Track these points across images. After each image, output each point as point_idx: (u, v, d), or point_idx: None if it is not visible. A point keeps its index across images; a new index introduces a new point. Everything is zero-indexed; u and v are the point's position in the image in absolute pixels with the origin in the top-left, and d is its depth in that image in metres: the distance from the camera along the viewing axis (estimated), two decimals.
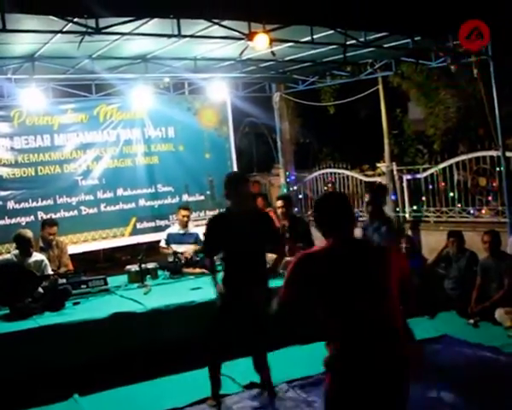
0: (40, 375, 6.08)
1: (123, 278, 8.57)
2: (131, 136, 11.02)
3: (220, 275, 5.67)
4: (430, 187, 10.78)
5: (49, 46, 7.32)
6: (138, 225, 10.96)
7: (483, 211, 10.05)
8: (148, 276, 8.47)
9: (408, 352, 3.25)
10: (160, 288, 8.08)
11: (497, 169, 9.58)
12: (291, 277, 3.33)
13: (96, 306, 7.27)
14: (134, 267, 8.49)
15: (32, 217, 9.97)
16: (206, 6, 5.82)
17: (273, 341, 6.90)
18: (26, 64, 8.15)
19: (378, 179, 11.73)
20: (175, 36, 6.22)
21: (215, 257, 5.83)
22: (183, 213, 9.39)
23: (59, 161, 10.33)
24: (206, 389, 5.71)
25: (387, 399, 3.21)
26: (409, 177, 11.16)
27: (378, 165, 11.76)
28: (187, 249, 8.98)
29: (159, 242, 9.66)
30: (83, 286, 7.87)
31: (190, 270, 8.70)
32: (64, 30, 6.10)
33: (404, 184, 11.17)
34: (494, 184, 9.97)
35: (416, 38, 8.04)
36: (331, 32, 7.18)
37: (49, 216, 9.65)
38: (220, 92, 10.95)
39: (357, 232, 6.84)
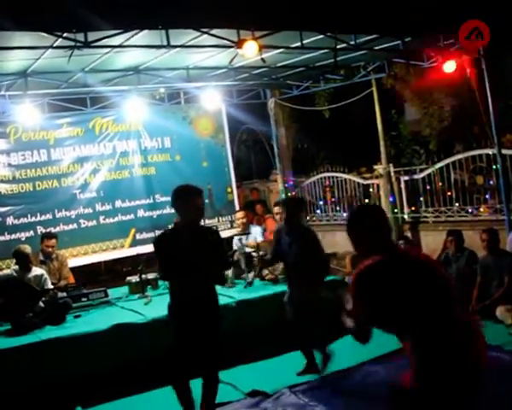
0: (42, 388, 6.09)
1: (124, 290, 8.58)
2: (128, 147, 11.04)
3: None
4: (428, 187, 10.80)
5: (41, 62, 7.37)
6: (138, 236, 10.98)
7: (481, 209, 10.06)
8: (149, 286, 8.47)
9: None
10: (160, 298, 8.03)
11: (494, 167, 9.60)
12: (360, 294, 3.24)
13: (97, 318, 7.28)
14: (134, 278, 8.51)
15: (32, 232, 9.99)
16: (195, 16, 5.84)
17: (274, 347, 7.00)
18: (20, 80, 8.19)
19: (376, 181, 11.77)
20: (164, 47, 6.25)
21: None
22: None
23: (56, 175, 10.35)
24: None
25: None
26: (406, 178, 11.19)
27: (375, 167, 11.78)
28: None
29: None
30: (83, 299, 7.88)
31: None
32: (54, 45, 6.14)
33: (402, 186, 11.20)
34: (491, 182, 9.99)
35: (406, 40, 8.08)
36: (321, 36, 7.21)
37: (48, 230, 9.64)
38: (214, 100, 10.97)
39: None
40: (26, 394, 6.00)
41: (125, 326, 6.77)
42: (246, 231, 9.38)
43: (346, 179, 12.63)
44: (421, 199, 10.93)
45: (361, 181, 12.25)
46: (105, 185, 10.78)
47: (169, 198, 10.90)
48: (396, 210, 11.19)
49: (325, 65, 9.53)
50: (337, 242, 12.67)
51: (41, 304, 7.28)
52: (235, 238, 9.39)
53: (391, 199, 11.17)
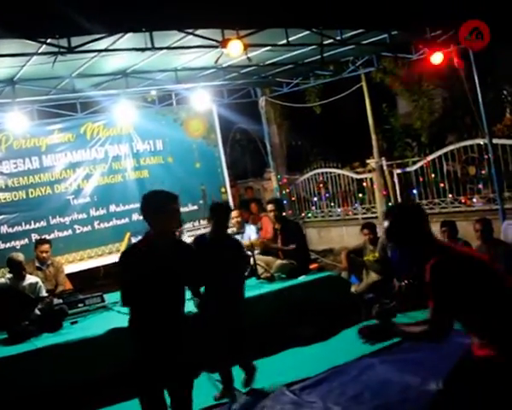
0: (40, 396, 6.06)
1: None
2: (120, 151, 11.05)
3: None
4: (421, 179, 10.81)
5: (28, 68, 7.37)
6: (133, 240, 10.89)
7: (474, 200, 10.06)
8: None
9: None
10: None
11: (486, 157, 9.61)
12: (443, 287, 3.27)
13: (94, 323, 7.25)
14: None
15: (27, 240, 9.98)
16: (179, 17, 5.83)
17: (271, 345, 7.01)
18: (7, 88, 8.18)
19: (369, 176, 11.77)
20: (149, 49, 6.24)
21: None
22: None
23: (49, 182, 10.35)
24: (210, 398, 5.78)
25: None
26: (399, 171, 11.19)
27: (368, 161, 11.78)
28: None
29: None
30: (80, 305, 7.84)
31: None
32: (39, 51, 6.13)
33: (395, 179, 11.19)
34: (483, 172, 9.99)
35: (392, 33, 8.07)
36: (307, 32, 7.20)
37: (43, 237, 9.64)
38: (205, 101, 10.97)
39: None
40: (24, 402, 5.97)
41: (121, 331, 6.73)
42: (240, 231, 9.39)
43: (339, 175, 12.63)
44: (415, 191, 10.93)
45: (354, 176, 12.25)
46: (98, 190, 10.78)
47: None
48: (390, 203, 11.18)
49: (314, 61, 9.53)
50: (332, 237, 12.70)
51: (37, 312, 7.24)
52: None
53: (384, 193, 11.16)
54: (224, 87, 11.47)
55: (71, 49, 5.64)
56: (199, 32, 6.35)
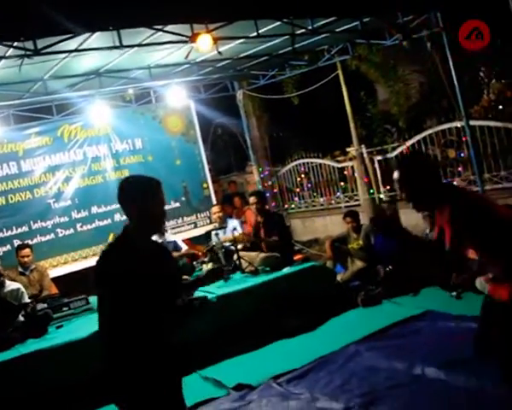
0: (27, 401, 6.01)
1: None
2: (99, 152, 10.99)
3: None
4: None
5: None
6: None
7: (455, 182, 10.07)
8: None
9: None
10: None
11: (464, 139, 9.63)
12: (468, 223, 3.45)
13: (79, 326, 7.19)
14: None
15: (9, 246, 9.91)
16: (147, 14, 5.78)
17: (256, 339, 6.99)
18: None
19: (350, 164, 11.77)
20: (117, 47, 6.18)
21: None
22: None
23: (29, 186, 10.28)
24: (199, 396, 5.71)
25: None
26: (379, 158, 11.19)
27: (348, 149, 11.77)
28: None
29: None
30: (64, 309, 7.80)
31: None
32: (6, 55, 6.05)
33: (376, 166, 11.20)
34: (462, 155, 10.01)
35: (364, 20, 8.06)
36: (278, 23, 7.16)
37: (24, 242, 9.57)
38: (181, 97, 10.93)
39: None
40: (11, 408, 5.93)
41: None
42: (222, 226, 9.38)
43: (320, 164, 12.63)
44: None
45: (335, 164, 12.25)
46: (79, 192, 10.73)
47: None
48: (372, 190, 11.19)
49: (288, 52, 9.48)
50: (317, 227, 12.70)
51: (21, 318, 7.19)
52: (213, 233, 9.38)
53: (366, 180, 11.16)
54: (200, 82, 11.44)
55: (37, 51, 5.57)
56: (168, 27, 6.30)
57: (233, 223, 9.47)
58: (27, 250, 8.63)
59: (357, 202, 11.68)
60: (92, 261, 10.59)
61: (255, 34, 7.21)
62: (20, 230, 10.10)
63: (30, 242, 9.67)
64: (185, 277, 8.36)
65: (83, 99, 10.24)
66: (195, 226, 11.80)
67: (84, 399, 6.05)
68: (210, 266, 8.31)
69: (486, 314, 3.93)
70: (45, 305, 7.67)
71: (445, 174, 10.22)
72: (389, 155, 11.04)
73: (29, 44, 5.64)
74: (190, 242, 11.02)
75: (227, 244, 8.78)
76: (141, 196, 3.35)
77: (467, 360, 5.34)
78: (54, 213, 10.46)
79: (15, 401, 6.00)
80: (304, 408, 5.34)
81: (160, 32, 6.35)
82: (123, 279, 3.22)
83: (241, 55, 9.23)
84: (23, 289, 7.62)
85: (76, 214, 10.67)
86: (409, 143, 10.61)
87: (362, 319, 7.73)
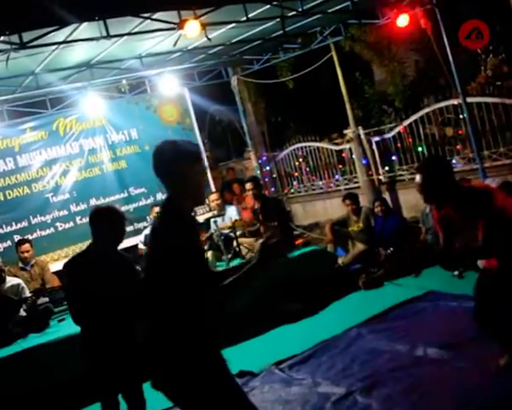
0: (30, 397, 6.04)
1: None
2: (95, 144, 10.95)
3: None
4: (399, 145, 10.74)
5: None
6: None
7: (454, 160, 9.99)
8: None
9: None
10: None
11: (461, 117, 9.55)
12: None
13: None
14: None
15: (9, 242, 9.89)
16: (133, 2, 5.70)
17: (258, 326, 6.97)
18: None
19: (347, 146, 11.70)
20: (104, 38, 6.10)
21: None
22: (157, 210, 9.31)
23: (26, 181, 10.25)
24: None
25: None
26: (377, 138, 11.10)
27: (345, 132, 11.68)
28: None
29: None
30: (66, 302, 7.78)
31: None
32: None
33: (374, 147, 11.11)
34: (460, 133, 9.92)
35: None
36: (267, 6, 7.07)
37: (23, 238, 9.55)
38: (175, 85, 10.87)
39: None
40: (14, 404, 5.94)
41: None
42: (221, 213, 9.33)
43: (318, 147, 12.55)
44: (394, 158, 10.86)
45: (333, 147, 12.17)
46: (77, 185, 10.69)
47: (143, 189, 11.07)
48: (371, 172, 11.12)
49: (280, 35, 9.38)
50: (317, 211, 12.65)
51: (22, 313, 7.19)
52: (211, 221, 9.33)
53: (364, 162, 11.08)
54: (193, 70, 11.35)
55: (23, 45, 5.51)
56: (157, 15, 6.22)
57: (232, 210, 9.43)
58: (27, 245, 8.61)
59: (356, 185, 11.62)
60: None
61: (245, 19, 7.12)
62: (19, 225, 10.08)
63: (30, 236, 9.66)
64: None
65: (77, 92, 10.17)
66: (194, 214, 11.74)
67: (87, 392, 6.07)
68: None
69: (481, 287, 4.56)
70: (46, 299, 7.66)
71: (444, 152, 10.15)
72: (386, 136, 10.95)
73: (15, 38, 5.58)
74: None
75: (226, 231, 8.74)
76: (189, 161, 3.02)
77: (469, 341, 5.34)
78: (52, 207, 10.44)
79: (18, 396, 6.02)
80: (306, 393, 5.34)
81: (148, 21, 6.27)
82: (186, 252, 2.90)
83: (233, 41, 9.12)
84: (23, 285, 7.59)
85: (75, 207, 10.64)
86: (405, 123, 10.52)
87: (364, 301, 7.72)
